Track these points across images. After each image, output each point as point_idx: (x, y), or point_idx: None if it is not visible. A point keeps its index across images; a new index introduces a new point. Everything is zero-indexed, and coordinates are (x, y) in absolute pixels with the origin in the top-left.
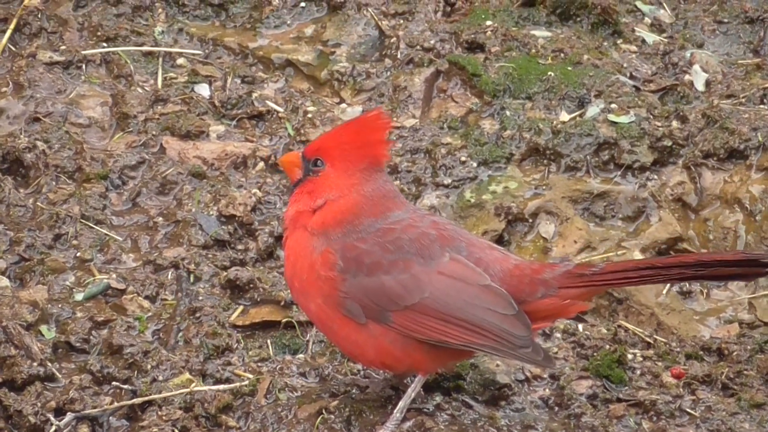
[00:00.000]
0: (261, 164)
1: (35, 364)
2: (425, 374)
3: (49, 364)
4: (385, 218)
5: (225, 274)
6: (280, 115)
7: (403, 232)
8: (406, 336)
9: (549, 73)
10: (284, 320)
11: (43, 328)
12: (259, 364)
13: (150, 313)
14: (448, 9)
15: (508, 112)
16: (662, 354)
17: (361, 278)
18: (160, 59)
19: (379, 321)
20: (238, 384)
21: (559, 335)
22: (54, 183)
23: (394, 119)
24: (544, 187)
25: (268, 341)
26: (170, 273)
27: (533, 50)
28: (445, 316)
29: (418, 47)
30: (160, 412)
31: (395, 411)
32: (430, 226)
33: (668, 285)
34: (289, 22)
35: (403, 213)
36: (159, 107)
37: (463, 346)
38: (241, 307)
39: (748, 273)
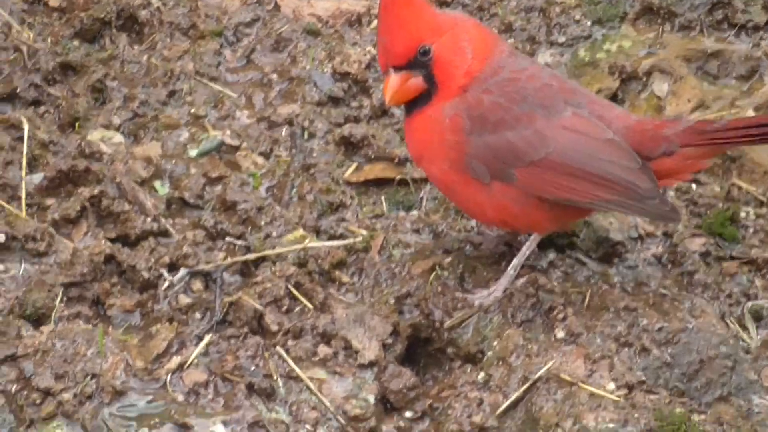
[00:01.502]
0: (375, 22)
1: (149, 219)
2: (542, 233)
3: (163, 219)
4: (509, 63)
5: (339, 130)
6: None
7: (527, 81)
8: (529, 194)
9: None
10: (398, 177)
11: (157, 183)
12: (373, 220)
13: (264, 170)
14: None
15: None
16: None
17: (486, 137)
18: None
19: (503, 180)
20: (351, 240)
21: (672, 193)
22: (168, 39)
23: None
24: (657, 46)
25: (382, 198)
26: (284, 129)
27: None
28: (571, 169)
29: None
30: (273, 268)
31: (509, 268)
32: (550, 77)
33: None
34: None
35: (520, 59)
36: None
37: (590, 203)
38: (355, 164)
39: None
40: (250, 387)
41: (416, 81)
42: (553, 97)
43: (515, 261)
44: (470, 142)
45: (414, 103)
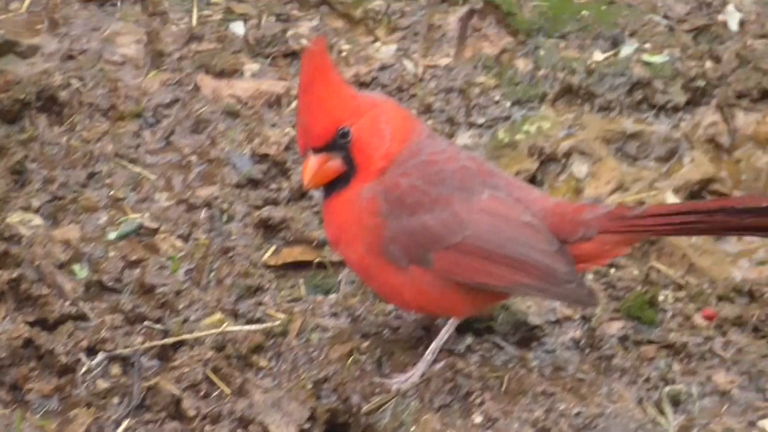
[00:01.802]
0: (294, 103)
1: (67, 303)
2: (460, 317)
3: (81, 303)
4: (428, 145)
5: (258, 213)
6: None
7: (445, 163)
8: (446, 279)
9: (583, 12)
10: (316, 260)
11: (76, 267)
12: (291, 304)
13: (182, 253)
14: None
15: (541, 52)
16: (694, 295)
17: (403, 220)
18: None
19: (420, 264)
20: (270, 324)
21: (590, 275)
22: (88, 121)
23: (429, 59)
24: (577, 127)
25: (300, 281)
26: (203, 212)
27: None
28: (488, 253)
29: None
30: (191, 352)
31: (427, 352)
32: (468, 160)
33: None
34: None
35: (439, 141)
36: (194, 45)
37: (505, 287)
38: (273, 247)
39: None
40: None
41: (335, 163)
42: (471, 179)
43: (433, 345)
44: (387, 225)
45: (332, 186)
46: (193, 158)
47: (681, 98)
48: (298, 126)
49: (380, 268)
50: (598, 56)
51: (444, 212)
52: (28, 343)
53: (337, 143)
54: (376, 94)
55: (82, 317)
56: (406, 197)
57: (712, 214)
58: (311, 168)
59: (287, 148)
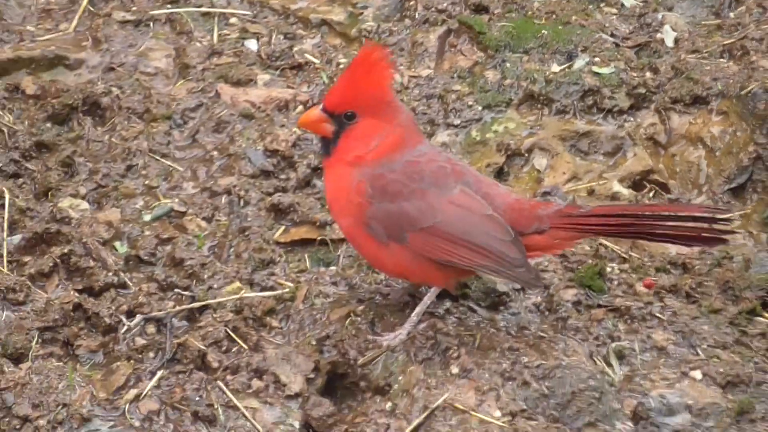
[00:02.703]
0: (300, 107)
1: (110, 274)
2: (436, 286)
3: (122, 274)
4: (413, 151)
5: (269, 199)
6: (316, 66)
7: (426, 164)
8: (419, 254)
9: (543, 31)
10: (319, 238)
11: (117, 244)
12: (298, 274)
13: (206, 232)
14: None
15: (508, 64)
16: (636, 267)
17: (385, 204)
18: (216, 18)
19: (398, 241)
20: (280, 291)
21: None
22: (126, 122)
23: (413, 70)
24: (538, 127)
25: (306, 255)
26: (224, 198)
27: (530, 12)
28: (453, 237)
29: (433, 9)
30: (214, 315)
31: (412, 315)
32: (445, 161)
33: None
34: None
35: (424, 146)
36: (215, 59)
37: (467, 266)
38: (283, 227)
39: (711, 238)
40: (195, 415)
41: (327, 127)
42: (445, 177)
43: (417, 309)
44: (371, 205)
45: (325, 148)
46: (215, 153)
47: (625, 103)
48: (333, 86)
49: (364, 238)
50: (556, 68)
51: (419, 201)
52: (78, 307)
53: (342, 117)
54: (405, 111)
55: (122, 285)
56: (389, 187)
57: (643, 219)
58: (310, 115)
59: (294, 145)
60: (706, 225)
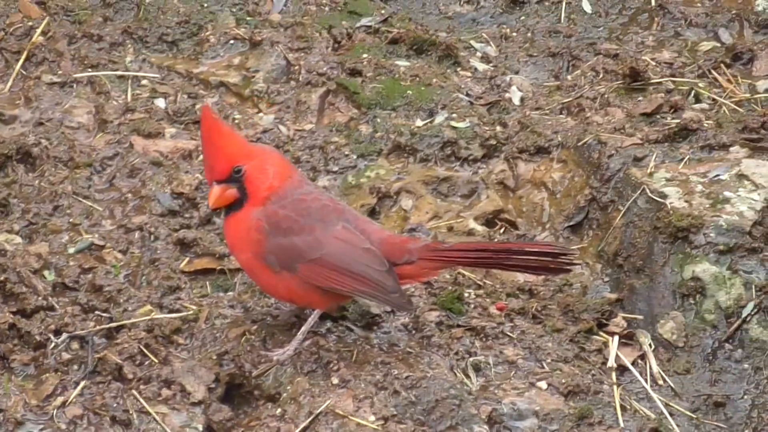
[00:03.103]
0: (201, 156)
1: (40, 298)
2: (321, 309)
3: (50, 298)
4: (300, 188)
5: (176, 234)
6: None
7: (312, 202)
8: (307, 282)
9: (408, 91)
10: (219, 267)
11: (46, 272)
12: (201, 299)
13: (122, 263)
14: (336, 45)
15: (378, 119)
16: (489, 293)
17: (279, 239)
18: (129, 81)
19: (289, 270)
20: (185, 313)
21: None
22: (53, 169)
23: (297, 125)
24: (404, 173)
25: (207, 283)
26: (137, 234)
27: (397, 75)
28: (337, 267)
29: (315, 73)
30: (129, 333)
31: (298, 333)
32: (328, 200)
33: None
34: (222, 54)
35: (309, 186)
36: (129, 115)
37: (349, 292)
38: (187, 258)
39: (555, 269)
40: (113, 419)
41: (231, 191)
42: (329, 214)
43: (303, 328)
44: (268, 241)
45: (229, 209)
46: (129, 195)
47: (479, 153)
48: (205, 164)
49: (261, 269)
50: (419, 123)
51: (308, 236)
52: (12, 326)
53: (233, 177)
54: (263, 145)
55: (50, 308)
56: (282, 223)
57: (498, 253)
58: (214, 194)
59: (196, 188)
60: (550, 258)
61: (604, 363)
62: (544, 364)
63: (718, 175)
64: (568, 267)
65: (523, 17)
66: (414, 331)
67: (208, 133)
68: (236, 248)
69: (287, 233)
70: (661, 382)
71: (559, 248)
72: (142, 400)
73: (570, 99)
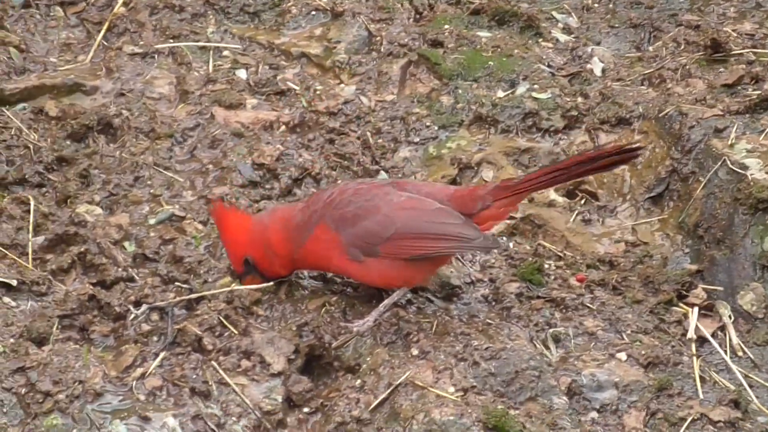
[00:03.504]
0: (283, 127)
1: (120, 269)
2: (420, 283)
3: (130, 269)
4: (351, 184)
5: (257, 205)
6: (296, 92)
7: (367, 191)
8: (394, 259)
9: (489, 62)
10: None
11: (126, 243)
12: None
13: (203, 234)
14: (418, 16)
15: (460, 91)
16: (569, 264)
17: (349, 230)
18: (211, 52)
19: (372, 255)
20: (265, 285)
21: (495, 251)
22: (134, 140)
23: (379, 95)
24: (485, 144)
25: None
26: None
27: (478, 46)
28: (415, 235)
29: (396, 44)
30: (209, 304)
31: (380, 305)
32: (380, 184)
33: (563, 188)
34: (303, 25)
35: (357, 183)
36: (210, 86)
37: (435, 252)
38: None
39: (625, 158)
40: (192, 390)
41: (255, 278)
42: (388, 192)
43: (386, 301)
44: (341, 236)
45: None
46: (210, 166)
47: (560, 124)
48: (229, 256)
49: (347, 265)
50: (501, 94)
51: (377, 216)
52: (92, 297)
53: (249, 266)
54: (266, 216)
55: (130, 279)
56: (347, 215)
57: (569, 169)
58: (251, 285)
59: (278, 159)
60: (618, 157)
61: (684, 334)
62: (624, 336)
63: None
64: (637, 153)
65: None
66: (494, 303)
67: (220, 230)
68: (322, 262)
69: (355, 222)
70: (740, 353)
71: (624, 146)
72: (221, 372)
73: (651, 70)
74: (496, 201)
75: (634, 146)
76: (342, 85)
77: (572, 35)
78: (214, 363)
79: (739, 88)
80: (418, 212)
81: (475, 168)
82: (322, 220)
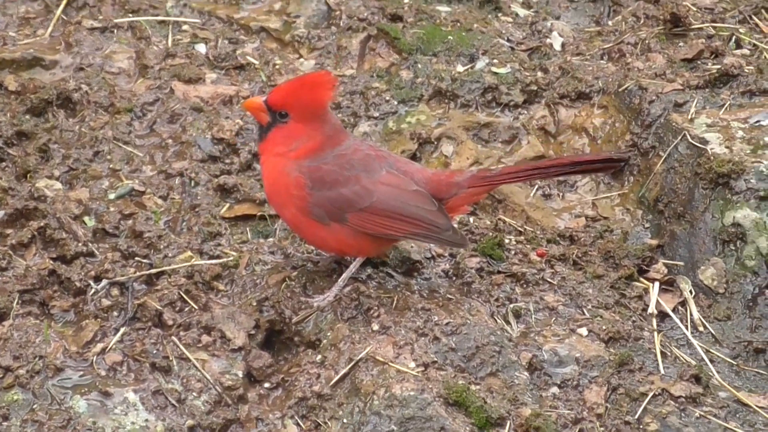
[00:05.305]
0: (242, 101)
1: (80, 244)
2: (370, 256)
3: (90, 244)
4: (339, 147)
5: (216, 180)
6: (256, 66)
7: (352, 155)
8: (358, 231)
9: (449, 37)
10: (259, 214)
11: (86, 218)
12: (241, 245)
13: (162, 208)
14: None
15: (419, 65)
16: (530, 239)
17: (324, 192)
18: (170, 26)
19: (339, 221)
20: (225, 259)
21: (455, 225)
22: (94, 114)
23: (338, 70)
24: (445, 119)
25: (247, 229)
26: (177, 179)
27: (438, 21)
28: (389, 213)
29: (355, 18)
30: (169, 279)
31: (339, 280)
32: (368, 149)
33: (538, 183)
34: None
35: (349, 141)
36: (169, 60)
37: (403, 236)
38: (228, 204)
39: (605, 167)
40: (153, 365)
41: (263, 116)
42: (372, 162)
43: (344, 275)
44: (312, 195)
45: (260, 133)
46: (170, 141)
47: (520, 98)
48: (280, 85)
49: (308, 224)
50: (460, 68)
51: (355, 186)
52: (52, 272)
53: (277, 114)
54: (331, 122)
55: (90, 254)
56: (326, 177)
57: (549, 169)
58: (254, 102)
59: (237, 134)
60: (602, 165)
61: (645, 309)
62: (585, 311)
63: (758, 121)
64: (621, 164)
65: None
66: (454, 278)
67: (315, 87)
68: (276, 203)
69: (333, 186)
70: (701, 328)
71: (612, 154)
72: (181, 347)
73: (611, 44)
74: (470, 188)
75: (618, 156)
76: (301, 60)
77: (531, 9)
78: (174, 338)
79: (698, 62)
80: (396, 191)
81: (435, 143)
82: (302, 170)
